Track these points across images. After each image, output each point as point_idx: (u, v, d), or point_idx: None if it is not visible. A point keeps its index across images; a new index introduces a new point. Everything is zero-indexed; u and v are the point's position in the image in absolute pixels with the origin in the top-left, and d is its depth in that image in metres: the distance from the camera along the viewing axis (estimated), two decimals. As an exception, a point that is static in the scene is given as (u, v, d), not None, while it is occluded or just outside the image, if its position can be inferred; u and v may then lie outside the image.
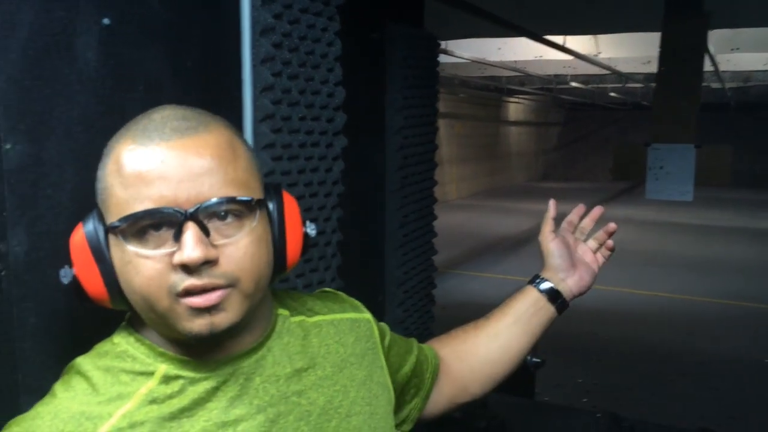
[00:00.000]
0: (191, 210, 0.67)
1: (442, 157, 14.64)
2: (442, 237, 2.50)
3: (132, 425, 0.70)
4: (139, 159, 0.69)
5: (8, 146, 0.90)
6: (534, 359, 2.61)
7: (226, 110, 1.30)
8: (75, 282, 0.75)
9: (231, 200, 0.70)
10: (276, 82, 1.33)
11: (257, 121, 1.32)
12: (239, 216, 0.71)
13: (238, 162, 0.73)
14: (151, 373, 0.73)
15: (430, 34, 2.09)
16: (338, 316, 0.93)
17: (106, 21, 1.03)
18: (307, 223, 0.83)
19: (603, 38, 8.97)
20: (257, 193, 0.75)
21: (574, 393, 4.70)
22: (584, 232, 1.21)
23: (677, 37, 4.04)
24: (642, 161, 4.30)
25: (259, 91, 1.31)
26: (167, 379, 0.73)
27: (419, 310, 2.19)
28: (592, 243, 1.21)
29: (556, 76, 12.28)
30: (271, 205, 0.77)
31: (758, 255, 9.87)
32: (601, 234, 1.20)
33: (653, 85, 10.82)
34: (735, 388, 4.87)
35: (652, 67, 9.62)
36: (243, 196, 0.70)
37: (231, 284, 0.69)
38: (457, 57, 7.85)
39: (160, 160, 0.68)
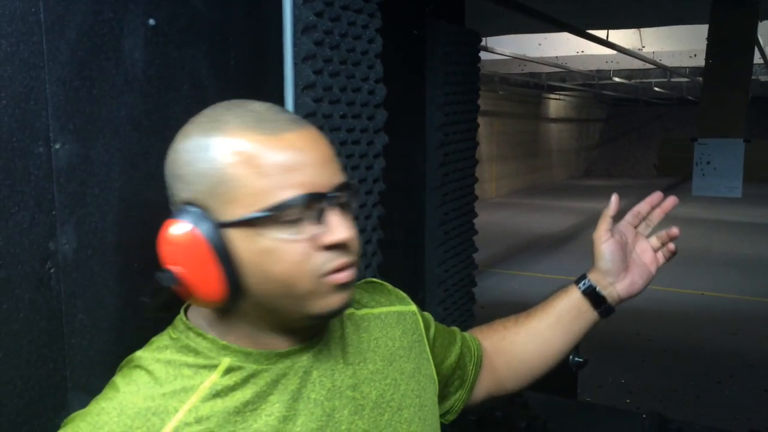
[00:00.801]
0: (333, 193, 0.70)
1: (481, 155, 14.54)
2: (481, 235, 2.48)
3: (198, 420, 0.70)
4: (275, 148, 0.68)
5: (57, 146, 0.92)
6: (576, 359, 2.57)
7: (268, 109, 1.31)
8: (178, 286, 0.71)
9: (349, 185, 0.73)
10: (317, 79, 1.33)
11: (299, 120, 1.32)
12: (348, 200, 0.74)
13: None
14: (214, 366, 0.73)
15: (470, 30, 2.07)
16: (385, 309, 0.93)
17: (151, 21, 1.05)
18: None
19: (647, 32, 8.79)
20: None
21: (616, 394, 4.61)
22: (650, 225, 1.11)
23: (725, 28, 3.93)
24: (688, 157, 4.20)
25: (300, 89, 1.31)
26: (230, 371, 0.73)
27: (459, 308, 2.18)
28: (654, 241, 1.11)
29: (598, 71, 12.07)
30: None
31: (810, 253, 9.56)
32: (663, 234, 1.11)
33: (699, 79, 10.56)
34: (786, 391, 4.73)
35: (698, 61, 9.39)
36: (354, 181, 0.78)
37: (355, 264, 0.73)
38: (497, 54, 7.78)
39: (299, 149, 0.69)
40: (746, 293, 7.36)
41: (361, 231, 1.52)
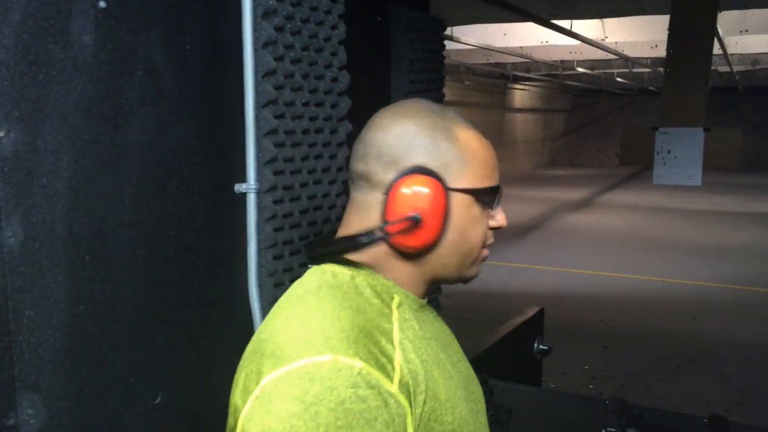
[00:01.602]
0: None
1: (447, 143, 14.53)
2: (449, 224, 2.47)
3: (405, 333, 0.81)
4: (485, 147, 0.89)
5: (2, 134, 0.87)
6: (541, 346, 2.59)
7: (227, 96, 1.27)
8: (410, 224, 0.83)
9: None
10: (278, 66, 1.29)
11: (259, 107, 1.28)
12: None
13: None
14: (390, 298, 0.85)
15: (435, 17, 2.04)
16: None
17: (102, 4, 1.00)
18: None
19: (610, 22, 8.89)
20: None
21: (580, 380, 4.68)
22: None
23: (686, 19, 3.98)
24: (650, 146, 4.25)
25: (261, 76, 1.28)
26: (401, 306, 0.86)
27: (425, 298, 2.17)
28: None
29: (562, 61, 12.17)
30: None
31: (766, 240, 9.81)
32: None
33: (660, 69, 10.71)
34: (743, 374, 4.84)
35: (659, 51, 9.53)
36: None
37: None
38: (462, 43, 7.78)
39: (494, 152, 0.91)
40: (705, 279, 7.52)
41: (326, 221, 1.50)
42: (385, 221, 0.83)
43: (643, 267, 8.10)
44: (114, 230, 1.04)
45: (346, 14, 1.47)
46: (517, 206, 13.24)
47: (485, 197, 0.88)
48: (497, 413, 1.69)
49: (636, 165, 14.06)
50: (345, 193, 1.55)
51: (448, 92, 2.18)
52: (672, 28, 4.11)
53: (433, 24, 2.03)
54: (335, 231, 0.91)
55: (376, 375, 0.72)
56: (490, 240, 0.91)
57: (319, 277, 0.84)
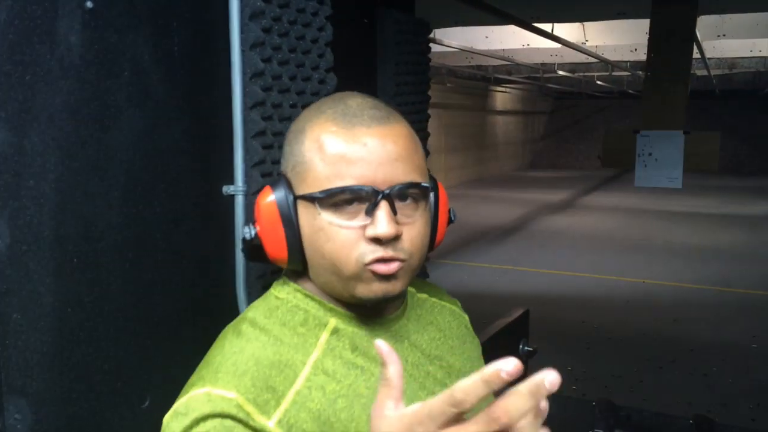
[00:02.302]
0: (387, 190, 0.76)
1: (430, 146, 14.57)
2: (434, 226, 2.47)
3: (325, 371, 0.78)
4: (342, 141, 0.77)
5: (-12, 135, 0.86)
6: (526, 348, 2.60)
7: (215, 97, 1.26)
8: (256, 240, 0.83)
9: (416, 185, 0.79)
10: (266, 67, 1.29)
11: (247, 108, 1.28)
12: (416, 199, 0.80)
13: (418, 151, 0.82)
14: (323, 325, 0.82)
15: (420, 20, 2.05)
16: (448, 304, 1.03)
17: (89, 4, 0.99)
18: (451, 210, 0.94)
19: (590, 26, 8.96)
20: (428, 181, 0.83)
21: (563, 381, 4.70)
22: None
23: (666, 23, 4.02)
24: (631, 149, 4.29)
25: (248, 77, 1.27)
26: (337, 332, 0.82)
27: (412, 300, 2.16)
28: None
29: (543, 64, 12.25)
30: (432, 193, 0.87)
31: (745, 242, 9.94)
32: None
33: (640, 72, 10.80)
34: (724, 375, 4.90)
35: (639, 55, 9.62)
36: (424, 182, 0.80)
37: (406, 258, 0.78)
38: (444, 46, 7.81)
39: (363, 144, 0.77)
40: (686, 281, 7.60)
41: (313, 223, 1.49)
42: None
43: (624, 268, 8.17)
44: (101, 232, 1.03)
45: (333, 16, 1.47)
46: (499, 208, 13.30)
47: (336, 200, 0.76)
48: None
49: (618, 167, 14.19)
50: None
51: (431, 94, 2.18)
52: (652, 33, 4.15)
53: (419, 27, 2.04)
54: None
55: (249, 408, 0.72)
56: (376, 254, 0.76)
57: (264, 300, 0.86)
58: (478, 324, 2.85)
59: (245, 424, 0.71)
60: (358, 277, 0.78)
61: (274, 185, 0.82)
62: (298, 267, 0.83)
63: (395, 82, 1.90)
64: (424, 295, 0.99)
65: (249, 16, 1.26)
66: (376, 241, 0.76)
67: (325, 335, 0.81)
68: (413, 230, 0.79)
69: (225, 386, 0.73)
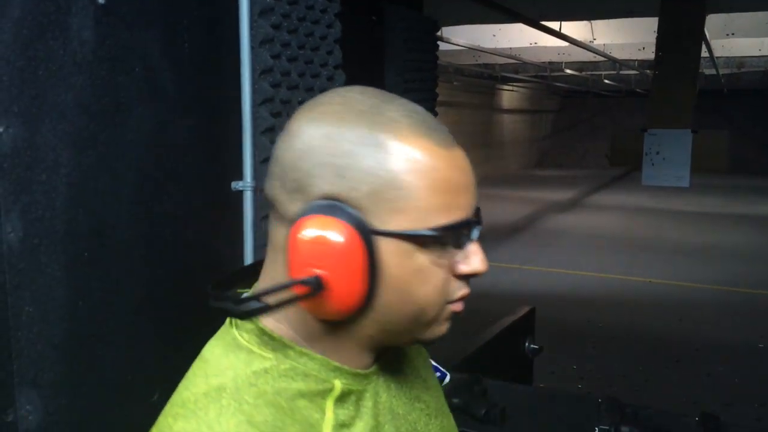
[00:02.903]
0: (478, 219, 0.64)
1: (436, 144, 14.56)
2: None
3: None
4: (449, 164, 0.60)
5: (1, 129, 0.87)
6: (532, 346, 2.60)
7: (224, 93, 1.27)
8: (319, 290, 0.59)
9: (479, 209, 0.65)
10: (275, 64, 1.30)
11: (256, 105, 1.29)
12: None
13: None
14: (327, 392, 0.64)
15: (428, 18, 2.06)
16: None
17: (101, 1, 1.00)
18: None
19: (598, 24, 8.94)
20: None
21: (568, 379, 4.70)
22: None
23: (675, 21, 4.02)
24: (638, 147, 4.29)
25: (257, 74, 1.28)
26: (343, 397, 0.65)
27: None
28: None
29: (550, 63, 12.23)
30: None
31: (752, 241, 9.90)
32: None
33: (648, 71, 10.74)
34: (730, 374, 4.89)
35: (647, 54, 9.59)
36: None
37: None
38: (452, 44, 7.80)
39: (465, 168, 0.62)
40: (692, 280, 7.58)
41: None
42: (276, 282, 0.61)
43: (630, 268, 8.16)
44: (112, 227, 1.04)
45: (341, 13, 1.48)
46: (505, 206, 13.29)
47: (443, 239, 0.61)
48: (490, 411, 1.70)
49: (625, 166, 14.16)
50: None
51: (437, 92, 2.19)
52: (661, 31, 4.15)
53: (427, 25, 2.04)
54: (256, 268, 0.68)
55: None
56: (460, 292, 0.64)
57: (232, 363, 0.62)
58: (483, 322, 2.85)
59: None
60: (437, 319, 0.64)
61: (336, 214, 0.58)
62: (352, 320, 0.63)
63: (403, 79, 1.91)
64: None
65: (258, 13, 1.26)
66: (464, 278, 0.64)
67: (330, 404, 0.64)
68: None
69: None
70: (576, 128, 24.01)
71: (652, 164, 4.36)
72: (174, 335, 1.18)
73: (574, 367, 4.96)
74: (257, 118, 1.29)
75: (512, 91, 20.38)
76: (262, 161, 1.30)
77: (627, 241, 9.91)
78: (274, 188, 0.60)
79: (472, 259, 0.63)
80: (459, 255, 0.62)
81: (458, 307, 0.64)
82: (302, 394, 0.61)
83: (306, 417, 0.61)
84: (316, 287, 0.58)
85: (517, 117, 21.72)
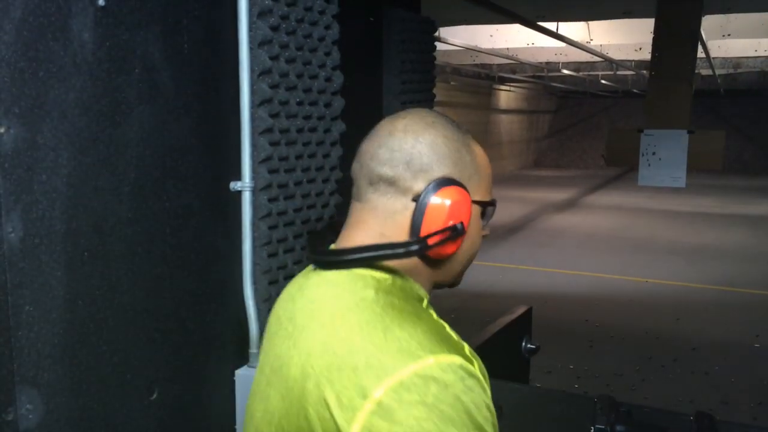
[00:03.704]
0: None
1: (433, 144, 14.57)
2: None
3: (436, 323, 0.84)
4: (488, 162, 0.93)
5: (2, 130, 0.88)
6: (529, 345, 2.61)
7: (223, 94, 1.28)
8: (451, 234, 0.86)
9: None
10: (273, 65, 1.30)
11: (254, 106, 1.29)
12: None
13: None
14: (423, 298, 0.89)
15: (426, 18, 2.06)
16: None
17: (101, 2, 1.01)
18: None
19: (595, 25, 8.95)
20: None
21: (565, 379, 4.72)
22: None
23: (671, 22, 4.03)
24: (635, 147, 4.30)
25: (256, 75, 1.29)
26: (428, 306, 0.90)
27: (415, 296, 2.18)
28: None
29: (547, 63, 12.24)
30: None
31: (748, 241, 9.93)
32: None
33: (644, 72, 10.76)
34: (726, 373, 4.91)
35: (643, 54, 9.61)
36: None
37: None
38: (449, 44, 7.81)
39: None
40: (688, 280, 7.60)
41: (319, 219, 1.51)
42: (416, 231, 0.85)
43: (627, 267, 8.17)
44: (112, 227, 1.05)
45: (339, 14, 1.48)
46: (503, 207, 13.28)
47: (490, 209, 0.94)
48: (487, 410, 1.71)
49: (622, 166, 14.19)
50: (338, 192, 1.57)
51: (435, 92, 2.19)
52: (657, 32, 4.16)
53: (425, 25, 2.05)
54: (333, 228, 0.92)
55: (469, 366, 0.77)
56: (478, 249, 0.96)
57: (367, 283, 0.83)
58: (481, 321, 2.85)
59: (476, 380, 0.77)
60: (466, 268, 0.94)
61: (464, 187, 0.88)
62: (448, 259, 0.90)
63: (401, 80, 1.91)
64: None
65: (257, 15, 1.27)
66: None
67: (424, 304, 0.89)
68: None
69: (444, 352, 0.76)
70: (573, 128, 24.05)
71: (649, 164, 4.37)
72: (173, 334, 1.19)
73: (571, 367, 4.98)
74: (256, 118, 1.30)
75: (509, 91, 20.39)
76: (261, 161, 1.31)
77: (623, 240, 9.93)
78: (397, 169, 0.85)
79: (487, 227, 0.94)
80: (484, 225, 0.93)
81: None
82: (413, 298, 0.86)
83: (423, 310, 0.84)
84: (461, 231, 0.86)
85: (515, 117, 21.73)
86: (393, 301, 0.82)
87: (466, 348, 0.81)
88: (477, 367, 0.79)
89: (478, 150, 0.93)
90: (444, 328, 0.83)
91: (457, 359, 0.76)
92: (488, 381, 0.81)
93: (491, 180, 0.94)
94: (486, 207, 0.92)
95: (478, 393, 0.75)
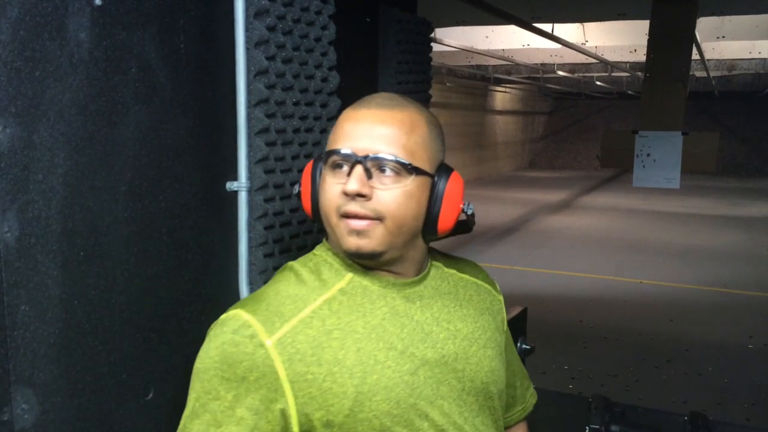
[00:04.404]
0: (361, 157, 0.91)
1: (428, 145, 14.56)
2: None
3: (330, 308, 0.94)
4: (345, 119, 0.95)
5: (-2, 129, 0.88)
6: (524, 346, 2.62)
7: (220, 94, 1.28)
8: (298, 196, 1.04)
9: (392, 159, 0.91)
10: (270, 65, 1.31)
11: (251, 106, 1.29)
12: (398, 173, 0.92)
13: (411, 136, 0.94)
14: (342, 276, 0.98)
15: (422, 19, 2.07)
16: (480, 282, 1.16)
17: (98, 1, 1.01)
18: (467, 204, 1.02)
19: (590, 26, 8.98)
20: (422, 164, 0.94)
21: (560, 379, 4.73)
22: None
23: (666, 24, 4.05)
24: (630, 149, 4.31)
25: (252, 75, 1.29)
26: (351, 282, 0.98)
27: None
28: None
29: (543, 64, 12.27)
30: (436, 178, 0.97)
31: (742, 242, 9.97)
32: None
33: (639, 73, 10.80)
34: (720, 374, 4.93)
35: (638, 56, 9.64)
36: (402, 159, 0.92)
37: (377, 218, 0.91)
38: (445, 45, 7.82)
39: (356, 120, 0.94)
40: (682, 281, 7.63)
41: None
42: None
43: (621, 268, 8.20)
44: (108, 226, 1.05)
45: (336, 15, 1.49)
46: (498, 208, 13.32)
47: (331, 160, 0.94)
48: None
49: (616, 167, 14.23)
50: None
51: (431, 93, 2.20)
52: (652, 34, 4.18)
53: (421, 26, 2.06)
54: None
55: (257, 328, 0.90)
56: (347, 206, 0.91)
57: (306, 255, 1.04)
58: (476, 322, 2.84)
59: (251, 341, 0.89)
60: (338, 228, 0.93)
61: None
62: (317, 221, 1.00)
63: (397, 80, 1.92)
64: (452, 271, 1.11)
65: (254, 15, 1.27)
66: (352, 197, 0.91)
67: (341, 284, 0.97)
68: (387, 196, 0.91)
69: (244, 308, 0.92)
70: (568, 130, 24.09)
71: (643, 166, 4.38)
72: (169, 334, 1.19)
73: (566, 367, 4.99)
74: (252, 119, 1.30)
75: (505, 92, 20.43)
76: (257, 161, 1.31)
77: (618, 242, 9.96)
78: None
79: (349, 181, 0.90)
80: (347, 180, 0.91)
81: (350, 223, 0.92)
82: (326, 273, 0.99)
83: (323, 284, 0.98)
84: (295, 194, 1.04)
85: (510, 118, 21.76)
86: (293, 266, 1.01)
87: (289, 324, 0.91)
88: (274, 339, 0.89)
89: (344, 112, 0.98)
90: (300, 299, 0.94)
91: (246, 318, 0.91)
92: (300, 362, 0.89)
93: (342, 132, 0.94)
94: (324, 157, 0.95)
95: (242, 351, 0.89)
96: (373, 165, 0.91)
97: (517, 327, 2.61)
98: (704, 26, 7.60)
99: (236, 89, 1.28)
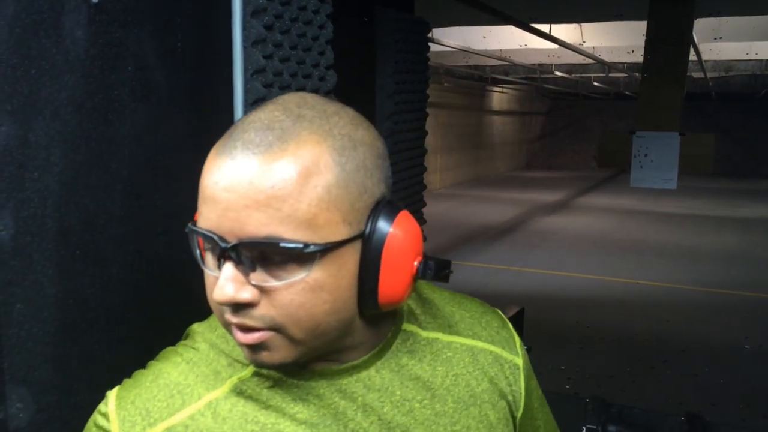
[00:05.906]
0: (230, 245, 0.59)
1: (427, 146, 14.56)
2: (426, 226, 2.50)
3: (215, 416, 0.66)
4: (208, 172, 0.62)
5: (-6, 127, 0.87)
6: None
7: (217, 93, 1.27)
8: None
9: (272, 244, 0.58)
10: (267, 64, 1.30)
11: (248, 105, 1.29)
12: (294, 259, 0.59)
13: (305, 192, 0.58)
14: (246, 365, 0.69)
15: (420, 19, 2.06)
16: (480, 344, 0.79)
17: (94, -1, 1.00)
18: (426, 260, 0.67)
19: (587, 27, 8.98)
20: (333, 229, 0.60)
21: (556, 380, 4.73)
22: None
23: (663, 25, 4.05)
24: (627, 149, 4.32)
25: (250, 73, 1.29)
26: (260, 374, 0.68)
27: (408, 297, 2.18)
28: None
29: (540, 65, 12.28)
30: (367, 234, 0.63)
31: (738, 243, 9.99)
32: None
33: (636, 74, 10.81)
34: (715, 376, 4.94)
35: (636, 57, 9.65)
36: (289, 242, 0.58)
37: (272, 328, 0.61)
38: (442, 45, 7.82)
39: (215, 181, 0.60)
40: (678, 282, 7.64)
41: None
42: None
43: (618, 269, 8.21)
44: (104, 225, 1.04)
45: (333, 14, 1.48)
46: (495, 208, 13.33)
47: (192, 243, 0.65)
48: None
49: (614, 168, 14.25)
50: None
51: (428, 93, 2.20)
52: (649, 34, 4.18)
53: (419, 26, 2.05)
54: None
55: (113, 426, 0.68)
56: (225, 314, 0.62)
57: (210, 321, 0.79)
58: (472, 322, 2.85)
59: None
60: (229, 329, 0.64)
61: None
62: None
63: (394, 80, 1.92)
64: (435, 335, 0.77)
65: (251, 13, 1.27)
66: (227, 305, 0.61)
67: (245, 373, 0.69)
68: (282, 297, 0.60)
69: (119, 393, 0.71)
70: (565, 130, 24.12)
71: (640, 166, 4.39)
72: (165, 334, 1.18)
73: (562, 368, 5.00)
74: (249, 117, 1.29)
75: (502, 92, 20.44)
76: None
77: (615, 242, 9.97)
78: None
79: (217, 284, 0.60)
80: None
81: (238, 336, 0.62)
82: (225, 354, 0.72)
83: (218, 369, 0.70)
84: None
85: (507, 119, 21.79)
86: (196, 331, 0.79)
87: (155, 428, 0.66)
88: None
89: (211, 153, 0.65)
90: (173, 387, 0.69)
91: (107, 411, 0.71)
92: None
93: (202, 194, 0.63)
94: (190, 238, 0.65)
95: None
96: (250, 253, 0.60)
97: (514, 327, 2.61)
98: (701, 27, 7.61)
99: (233, 88, 1.28)
